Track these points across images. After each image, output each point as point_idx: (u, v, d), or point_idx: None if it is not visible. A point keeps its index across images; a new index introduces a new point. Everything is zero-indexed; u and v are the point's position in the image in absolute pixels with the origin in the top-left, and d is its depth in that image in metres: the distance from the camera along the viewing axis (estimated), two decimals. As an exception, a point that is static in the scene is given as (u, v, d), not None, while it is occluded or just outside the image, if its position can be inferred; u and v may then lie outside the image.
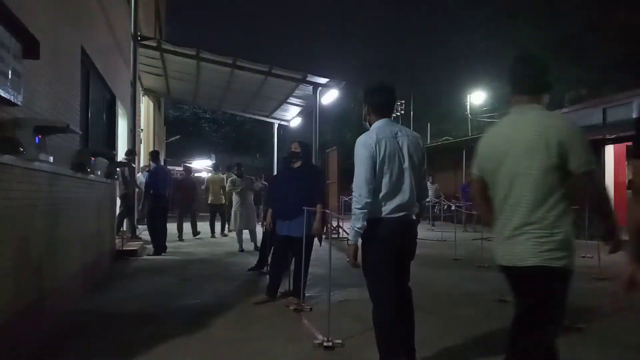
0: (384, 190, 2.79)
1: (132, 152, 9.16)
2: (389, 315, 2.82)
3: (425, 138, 31.77)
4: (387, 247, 2.82)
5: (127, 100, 9.14)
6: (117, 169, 7.70)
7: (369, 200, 2.75)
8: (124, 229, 9.38)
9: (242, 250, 8.88)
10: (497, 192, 2.24)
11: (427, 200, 3.47)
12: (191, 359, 3.43)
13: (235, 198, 8.85)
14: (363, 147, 2.81)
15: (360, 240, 2.84)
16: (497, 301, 5.07)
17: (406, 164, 2.84)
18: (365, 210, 2.75)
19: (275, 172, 15.72)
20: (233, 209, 8.90)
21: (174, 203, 10.46)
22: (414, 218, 2.96)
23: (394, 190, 2.81)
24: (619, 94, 12.27)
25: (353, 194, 2.80)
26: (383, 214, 2.79)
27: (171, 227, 9.82)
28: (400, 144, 2.85)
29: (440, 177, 18.41)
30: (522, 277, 2.14)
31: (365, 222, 2.76)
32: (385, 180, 2.79)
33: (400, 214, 2.81)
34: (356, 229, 2.77)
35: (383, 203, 2.79)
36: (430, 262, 7.76)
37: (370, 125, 2.98)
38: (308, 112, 14.37)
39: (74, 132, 4.19)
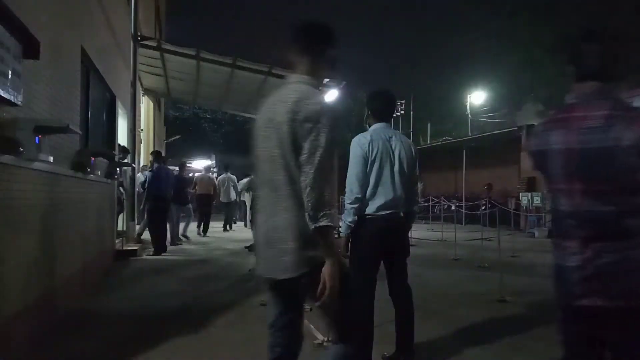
0: (372, 190, 2.96)
1: (125, 150, 9.08)
2: (367, 307, 2.98)
3: (426, 138, 31.83)
4: (372, 244, 2.98)
5: (127, 100, 9.13)
6: (117, 168, 7.68)
7: (360, 195, 2.92)
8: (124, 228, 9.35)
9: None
10: None
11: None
12: (191, 359, 3.43)
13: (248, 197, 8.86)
14: (357, 145, 2.99)
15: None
16: (497, 301, 5.07)
17: (396, 167, 3.01)
18: (356, 205, 2.92)
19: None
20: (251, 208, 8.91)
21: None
22: (402, 216, 3.07)
23: (382, 190, 2.97)
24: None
25: (345, 189, 2.96)
26: (369, 212, 2.96)
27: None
28: (392, 147, 3.03)
29: (440, 177, 18.38)
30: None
31: (356, 217, 2.93)
32: (373, 180, 2.96)
33: (387, 212, 2.96)
34: (347, 222, 2.96)
35: (370, 202, 2.96)
36: (430, 262, 7.76)
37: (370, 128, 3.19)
38: (308, 112, 14.33)
39: (74, 132, 4.19)
